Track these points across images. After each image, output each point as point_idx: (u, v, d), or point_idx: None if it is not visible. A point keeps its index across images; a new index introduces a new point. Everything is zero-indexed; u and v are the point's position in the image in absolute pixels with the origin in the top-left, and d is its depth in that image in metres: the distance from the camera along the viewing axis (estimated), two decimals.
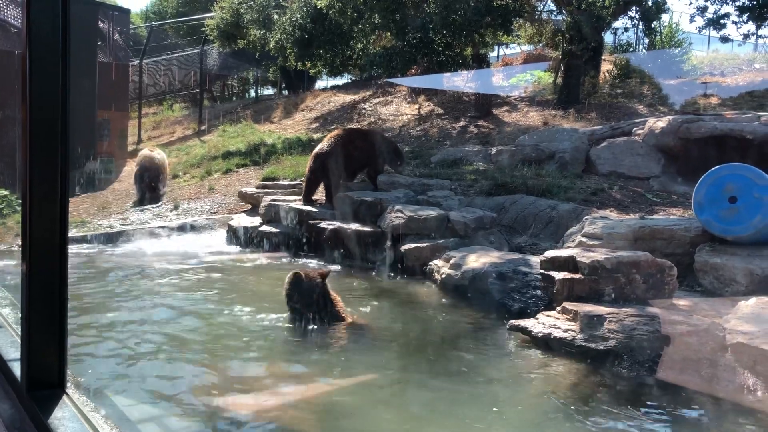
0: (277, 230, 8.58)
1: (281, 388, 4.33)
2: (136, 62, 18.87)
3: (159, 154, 12.15)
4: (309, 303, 5.12)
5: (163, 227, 8.97)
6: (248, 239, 8.66)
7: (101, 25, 15.39)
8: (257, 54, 19.24)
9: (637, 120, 11.16)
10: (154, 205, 10.73)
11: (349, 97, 19.58)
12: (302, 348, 4.99)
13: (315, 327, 5.09)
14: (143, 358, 4.57)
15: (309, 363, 4.72)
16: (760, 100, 12.70)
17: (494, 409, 3.96)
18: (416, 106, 16.73)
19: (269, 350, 4.97)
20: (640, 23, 13.63)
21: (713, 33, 13.88)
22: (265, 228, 8.67)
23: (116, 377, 4.19)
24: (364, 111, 17.66)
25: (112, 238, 8.65)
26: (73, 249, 8.26)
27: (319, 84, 25.04)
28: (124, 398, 3.85)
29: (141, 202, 11.11)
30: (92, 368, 4.30)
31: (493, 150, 10.90)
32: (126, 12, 17.88)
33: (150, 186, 11.35)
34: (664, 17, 17.96)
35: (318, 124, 17.58)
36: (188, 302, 6.08)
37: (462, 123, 14.19)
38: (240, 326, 5.40)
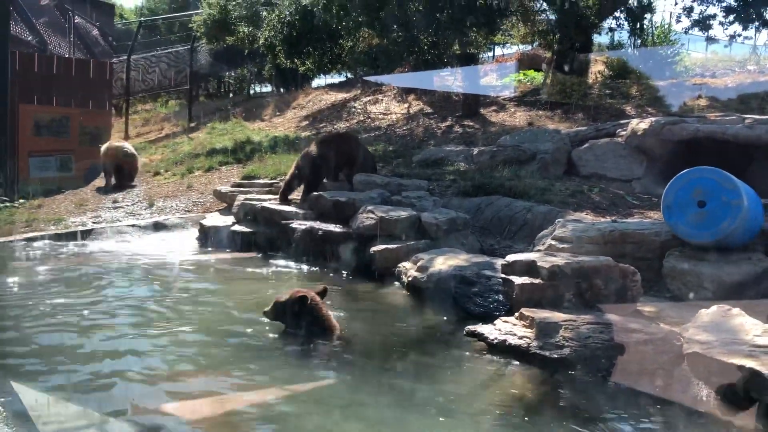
0: (249, 230, 8.43)
1: (231, 395, 4.20)
2: (123, 58, 18.71)
3: (126, 147, 12.77)
4: (302, 322, 4.97)
5: (132, 225, 8.82)
6: (219, 239, 8.52)
7: (78, 21, 15.12)
8: (246, 51, 19.09)
9: (621, 121, 11.01)
10: (122, 194, 10.87)
11: (340, 96, 19.45)
12: (271, 357, 4.85)
13: (302, 340, 4.94)
14: (89, 364, 4.41)
15: (272, 370, 4.57)
16: (749, 102, 12.55)
17: (440, 419, 3.83)
18: (405, 105, 16.60)
19: (231, 359, 4.80)
20: (627, 23, 13.47)
21: (700, 34, 13.75)
22: (237, 227, 8.52)
23: (54, 387, 4.04)
24: (353, 109, 17.53)
25: (79, 236, 8.51)
26: (37, 247, 8.17)
27: (316, 82, 24.94)
28: (53, 403, 3.71)
29: (106, 191, 11.83)
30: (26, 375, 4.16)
31: (475, 150, 10.75)
32: (109, 7, 17.58)
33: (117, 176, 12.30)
34: (656, 17, 17.81)
35: (307, 122, 17.46)
36: (144, 306, 5.91)
37: (448, 122, 14.04)
38: (198, 334, 5.25)
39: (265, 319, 5.19)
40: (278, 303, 5.10)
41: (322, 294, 5.21)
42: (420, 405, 4.04)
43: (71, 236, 8.54)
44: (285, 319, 5.09)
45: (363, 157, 9.57)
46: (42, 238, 8.56)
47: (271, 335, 5.11)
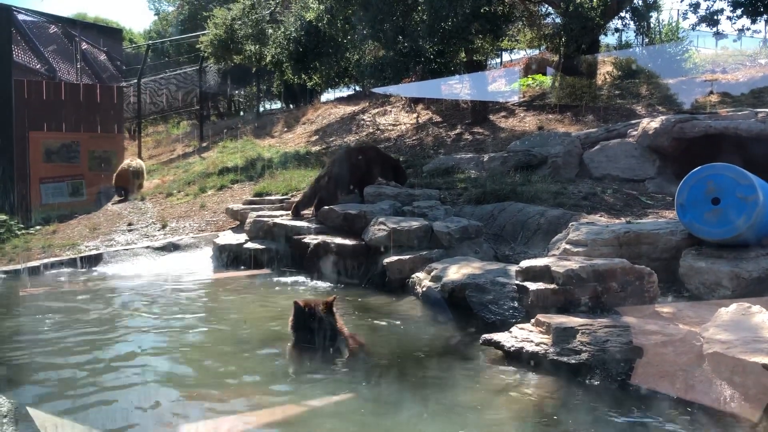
0: (262, 247, 8.44)
1: (250, 412, 4.17)
2: (133, 81, 18.90)
3: (131, 165, 13.89)
4: (313, 334, 4.95)
5: (146, 247, 8.86)
6: (232, 257, 8.52)
7: (85, 47, 15.30)
8: (254, 69, 19.19)
9: (632, 121, 10.93)
10: (136, 216, 11.29)
11: (349, 109, 19.52)
12: (288, 373, 4.83)
13: (313, 353, 4.91)
14: (106, 386, 4.41)
15: (290, 386, 4.55)
16: (762, 96, 12.42)
17: (460, 431, 3.78)
18: (414, 115, 16.61)
19: (249, 376, 4.77)
20: (633, 23, 13.38)
21: (708, 29, 13.64)
22: (250, 245, 8.53)
23: (67, 410, 4.03)
24: (362, 122, 17.58)
25: (93, 261, 8.56)
26: (52, 272, 8.23)
27: (325, 97, 25.07)
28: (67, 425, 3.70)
29: (119, 213, 12.29)
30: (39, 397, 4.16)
31: (486, 157, 10.71)
32: (117, 32, 17.74)
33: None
34: (663, 15, 17.72)
35: (317, 136, 17.52)
36: (158, 328, 5.92)
37: (457, 130, 14.01)
38: (215, 353, 5.23)
39: (282, 336, 5.19)
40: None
41: (330, 304, 5.15)
42: (438, 416, 3.99)
43: (86, 261, 8.60)
44: (298, 332, 5.06)
45: (391, 167, 9.59)
46: (59, 264, 8.62)
47: (286, 349, 5.08)
